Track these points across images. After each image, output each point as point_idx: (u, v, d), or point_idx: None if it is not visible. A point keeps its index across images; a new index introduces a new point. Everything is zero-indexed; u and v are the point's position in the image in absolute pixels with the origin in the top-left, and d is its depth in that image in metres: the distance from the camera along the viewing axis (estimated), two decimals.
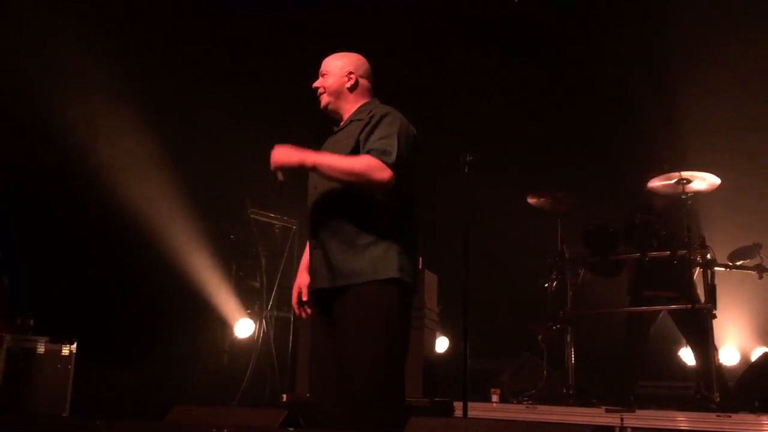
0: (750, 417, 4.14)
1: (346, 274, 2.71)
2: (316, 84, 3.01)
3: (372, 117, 2.82)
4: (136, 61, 6.29)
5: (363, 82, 3.00)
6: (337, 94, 2.96)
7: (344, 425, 2.64)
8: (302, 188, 3.04)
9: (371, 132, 2.77)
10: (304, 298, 2.98)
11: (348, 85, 2.98)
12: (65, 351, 5.21)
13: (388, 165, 2.67)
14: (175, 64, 6.47)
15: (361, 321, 2.65)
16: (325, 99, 2.98)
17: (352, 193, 2.75)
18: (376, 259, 2.70)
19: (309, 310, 2.97)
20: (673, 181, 4.95)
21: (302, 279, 3.02)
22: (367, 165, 2.68)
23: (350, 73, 2.99)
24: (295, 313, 3.07)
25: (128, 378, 5.92)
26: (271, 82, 6.82)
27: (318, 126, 3.19)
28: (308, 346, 2.97)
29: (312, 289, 2.86)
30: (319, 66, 3.04)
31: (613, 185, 6.67)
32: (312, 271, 2.85)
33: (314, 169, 2.72)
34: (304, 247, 3.10)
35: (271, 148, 2.76)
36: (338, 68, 3.00)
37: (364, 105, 2.95)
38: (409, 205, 2.85)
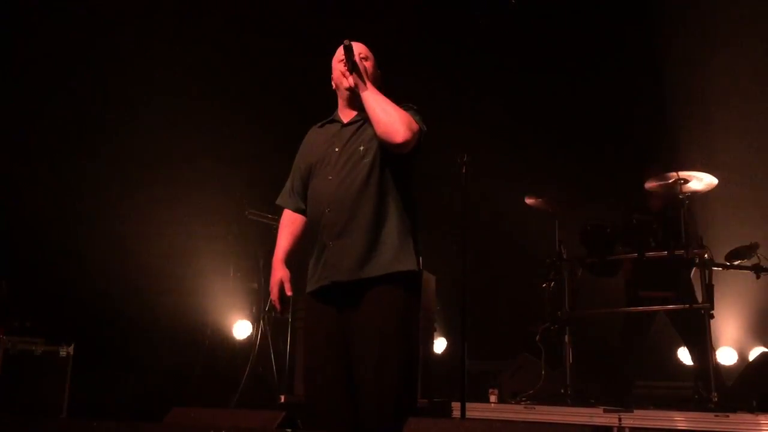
0: (748, 417, 4.14)
1: (368, 267, 2.68)
2: (365, 63, 2.86)
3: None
4: (132, 60, 6.29)
5: (381, 81, 3.00)
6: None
7: (354, 421, 2.62)
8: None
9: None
10: (288, 293, 2.91)
11: (379, 82, 2.95)
12: (63, 353, 5.20)
13: (420, 129, 2.75)
14: (170, 63, 6.46)
15: (389, 321, 2.64)
16: (355, 80, 2.80)
17: (372, 185, 2.74)
18: (397, 251, 2.70)
19: (283, 308, 2.95)
20: (671, 181, 4.96)
21: (283, 272, 2.94)
22: (406, 115, 2.73)
23: (379, 71, 2.99)
24: (284, 313, 3.03)
25: (126, 380, 5.90)
26: (267, 81, 6.83)
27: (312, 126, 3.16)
28: (305, 343, 2.92)
29: (324, 283, 2.75)
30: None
31: (611, 185, 6.68)
32: (324, 264, 2.76)
33: (367, 86, 2.77)
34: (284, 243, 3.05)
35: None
36: (373, 59, 2.98)
37: None
38: (415, 202, 2.86)
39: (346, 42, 2.78)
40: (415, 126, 2.72)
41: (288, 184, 3.09)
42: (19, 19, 5.82)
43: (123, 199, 6.15)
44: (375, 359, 2.60)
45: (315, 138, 3.01)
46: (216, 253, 6.64)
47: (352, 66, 2.79)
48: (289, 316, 5.55)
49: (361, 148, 2.79)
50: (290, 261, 3.01)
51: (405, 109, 2.81)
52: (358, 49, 2.92)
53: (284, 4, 6.69)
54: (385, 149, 2.75)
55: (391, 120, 2.69)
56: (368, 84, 2.79)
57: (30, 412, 4.92)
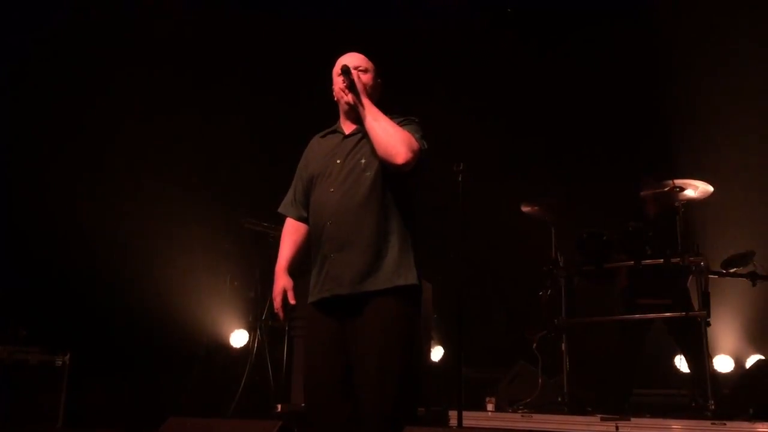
0: (745, 424, 4.14)
1: (369, 281, 2.68)
2: (363, 78, 2.87)
3: (397, 120, 2.83)
4: (130, 64, 6.30)
5: (381, 90, 3.00)
6: (370, 97, 2.86)
7: (352, 430, 2.63)
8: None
9: (403, 126, 2.80)
10: (292, 302, 2.90)
11: (378, 90, 2.96)
12: (58, 362, 5.18)
13: (420, 149, 2.74)
14: (167, 72, 6.47)
15: (390, 333, 2.64)
16: (353, 100, 2.82)
17: (375, 199, 2.74)
18: (398, 265, 2.71)
19: (282, 316, 2.95)
20: (667, 188, 4.97)
21: (286, 282, 2.93)
22: (407, 135, 2.73)
23: (379, 80, 2.98)
24: (285, 322, 3.03)
25: (122, 389, 5.89)
26: (264, 90, 6.83)
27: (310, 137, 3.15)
28: (304, 353, 2.92)
29: (325, 295, 2.76)
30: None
31: (607, 193, 6.69)
32: (325, 276, 2.76)
33: (367, 105, 2.77)
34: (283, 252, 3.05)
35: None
36: (374, 70, 2.96)
37: None
38: (416, 215, 2.87)
39: (344, 66, 2.80)
40: (415, 146, 2.72)
41: (290, 193, 3.09)
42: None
43: (119, 208, 6.15)
44: (374, 371, 2.60)
45: (317, 148, 3.01)
46: (212, 262, 6.63)
47: (350, 85, 2.81)
48: (287, 325, 5.54)
49: (363, 161, 2.79)
50: (293, 270, 3.00)
51: (407, 123, 2.82)
52: (357, 60, 2.92)
53: (281, 11, 6.71)
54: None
55: (392, 141, 2.69)
56: (367, 103, 2.79)
57: (26, 422, 4.90)
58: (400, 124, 2.81)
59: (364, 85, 2.86)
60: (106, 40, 6.20)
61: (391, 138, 2.70)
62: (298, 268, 3.03)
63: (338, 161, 2.84)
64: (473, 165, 4.56)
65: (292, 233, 3.05)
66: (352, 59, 2.91)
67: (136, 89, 6.28)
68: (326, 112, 3.08)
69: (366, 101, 2.80)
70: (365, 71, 2.91)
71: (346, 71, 2.81)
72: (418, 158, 2.72)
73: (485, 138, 7.10)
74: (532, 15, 7.02)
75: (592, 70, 6.95)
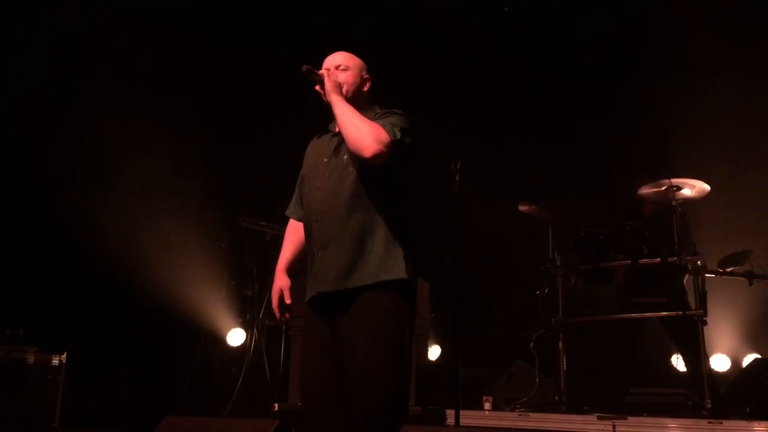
0: (741, 423, 4.14)
1: (354, 277, 2.67)
2: (342, 76, 2.89)
3: (379, 114, 2.83)
4: (124, 64, 6.30)
5: (370, 86, 2.99)
6: (353, 94, 2.88)
7: (348, 429, 2.62)
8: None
9: (379, 118, 2.78)
10: (288, 301, 2.92)
11: (365, 88, 2.95)
12: (55, 361, 5.18)
13: (391, 141, 2.67)
14: (165, 68, 6.47)
15: (375, 328, 2.62)
16: (325, 98, 2.86)
17: (359, 195, 2.73)
18: (384, 260, 2.69)
19: (288, 315, 2.95)
20: (663, 188, 4.97)
21: (283, 281, 2.95)
22: (376, 128, 2.68)
23: (366, 76, 2.97)
24: (283, 321, 3.02)
25: (119, 388, 5.88)
26: (261, 90, 6.83)
27: (311, 135, 3.16)
28: (300, 353, 2.92)
29: (313, 294, 2.76)
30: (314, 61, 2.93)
31: (604, 192, 6.70)
32: (313, 275, 2.77)
33: (334, 101, 2.76)
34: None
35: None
36: (357, 67, 2.95)
37: (368, 110, 2.88)
38: (409, 211, 2.86)
39: (303, 68, 2.81)
40: (385, 139, 2.66)
41: (294, 194, 3.13)
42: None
43: (116, 209, 6.14)
44: (361, 367, 2.59)
45: (312, 149, 3.04)
46: (209, 261, 6.63)
47: (321, 85, 2.83)
48: (284, 323, 5.54)
49: (345, 157, 2.79)
50: (293, 270, 3.02)
51: (385, 116, 2.80)
52: (339, 59, 2.93)
53: (277, 11, 6.71)
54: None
55: (360, 135, 2.66)
56: (335, 100, 2.78)
57: (23, 421, 4.90)
58: (379, 116, 2.80)
59: (342, 83, 2.86)
60: (106, 41, 6.20)
61: (358, 132, 2.67)
62: (299, 268, 3.04)
63: (325, 160, 2.86)
64: (471, 164, 4.56)
65: (292, 234, 3.08)
66: (333, 58, 2.93)
67: (134, 89, 6.27)
68: (325, 113, 3.08)
69: (335, 98, 2.78)
70: (345, 69, 2.91)
71: (308, 72, 2.82)
72: (391, 150, 2.67)
73: (483, 137, 7.11)
74: (531, 15, 7.02)
75: (589, 69, 6.96)
